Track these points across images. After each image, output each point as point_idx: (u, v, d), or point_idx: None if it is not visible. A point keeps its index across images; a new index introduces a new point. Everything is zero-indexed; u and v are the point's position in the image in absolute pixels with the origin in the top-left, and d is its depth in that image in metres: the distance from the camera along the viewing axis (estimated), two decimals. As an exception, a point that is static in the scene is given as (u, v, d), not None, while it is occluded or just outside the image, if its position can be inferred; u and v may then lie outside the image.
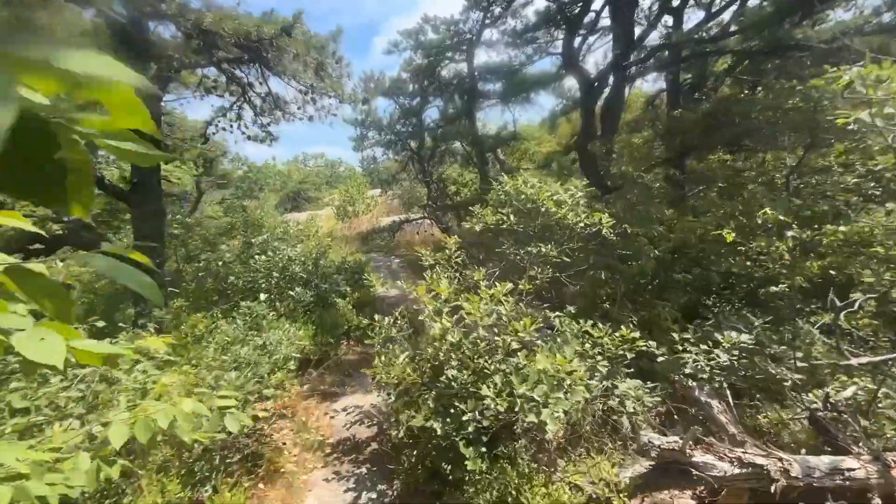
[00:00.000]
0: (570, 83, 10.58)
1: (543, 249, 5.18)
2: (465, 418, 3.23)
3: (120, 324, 4.23)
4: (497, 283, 3.86)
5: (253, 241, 6.84)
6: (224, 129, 8.78)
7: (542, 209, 5.40)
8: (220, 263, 5.88)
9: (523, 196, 5.57)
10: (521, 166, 11.27)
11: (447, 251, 5.17)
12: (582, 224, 5.33)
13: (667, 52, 8.21)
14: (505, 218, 5.55)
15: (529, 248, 5.33)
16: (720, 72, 9.19)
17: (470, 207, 12.49)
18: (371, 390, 5.40)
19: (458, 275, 5.03)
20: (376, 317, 4.79)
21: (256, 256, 6.21)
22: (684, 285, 5.65)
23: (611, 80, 8.57)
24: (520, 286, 4.44)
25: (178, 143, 11.41)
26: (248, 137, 9.27)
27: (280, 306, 5.99)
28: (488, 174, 12.52)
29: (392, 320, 4.71)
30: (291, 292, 6.08)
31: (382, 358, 4.10)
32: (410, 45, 12.74)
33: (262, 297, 5.53)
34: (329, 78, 7.89)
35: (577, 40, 9.38)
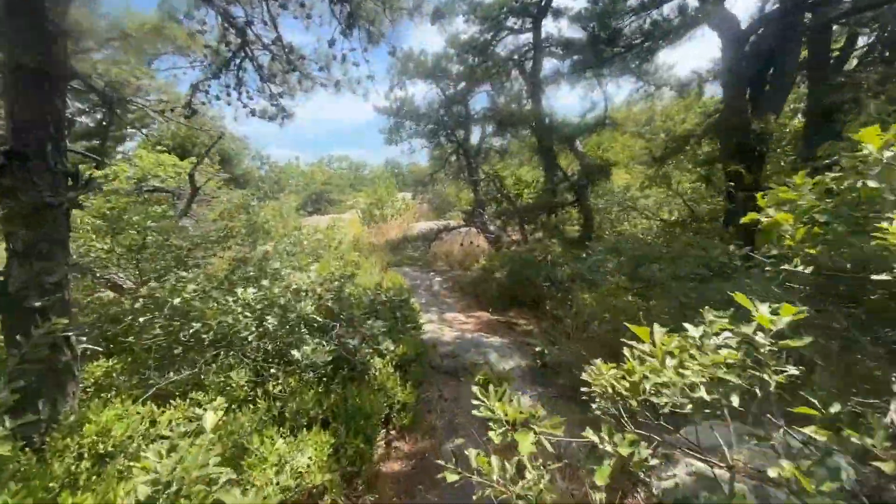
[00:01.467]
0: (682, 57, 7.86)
1: None
2: None
3: None
4: None
5: (237, 271, 4.35)
6: (217, 97, 6.35)
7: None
8: (177, 300, 3.39)
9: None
10: (612, 159, 8.59)
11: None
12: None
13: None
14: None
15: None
16: None
17: (538, 212, 9.87)
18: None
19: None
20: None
21: (240, 292, 3.66)
22: None
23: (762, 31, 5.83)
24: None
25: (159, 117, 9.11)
26: (253, 112, 6.84)
27: (275, 383, 3.42)
28: (556, 172, 9.81)
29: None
30: (295, 351, 3.51)
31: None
32: (463, 8, 10.21)
33: (237, 374, 3.00)
34: (365, 19, 5.39)
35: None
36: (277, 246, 5.78)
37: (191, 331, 3.41)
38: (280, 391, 3.49)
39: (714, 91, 15.01)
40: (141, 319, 3.40)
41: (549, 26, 10.36)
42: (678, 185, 7.04)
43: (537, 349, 4.41)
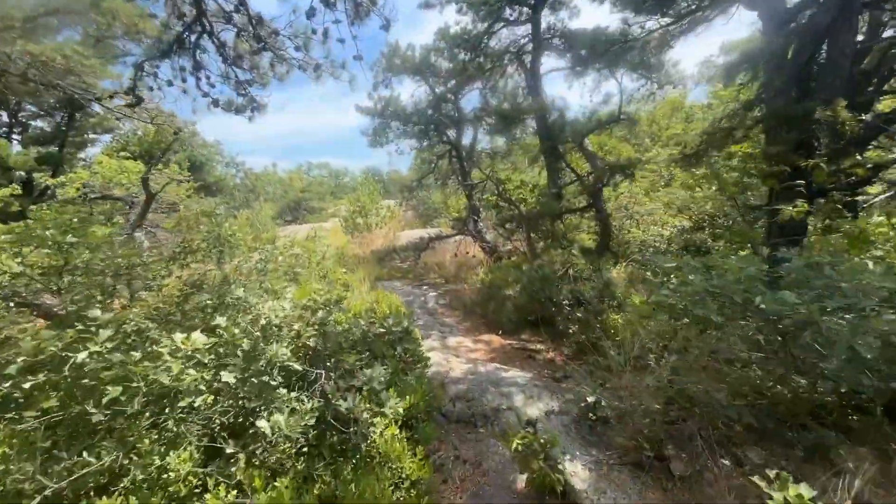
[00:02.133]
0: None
1: None
2: None
3: None
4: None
5: (190, 299, 3.23)
6: (170, 83, 5.20)
7: None
8: (83, 355, 2.26)
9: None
10: (626, 155, 7.73)
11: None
12: None
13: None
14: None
15: None
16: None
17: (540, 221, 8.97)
18: None
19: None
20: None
21: (178, 339, 2.53)
22: None
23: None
24: None
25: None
26: (215, 103, 5.71)
27: (232, 471, 2.34)
28: (560, 174, 8.95)
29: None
30: (263, 422, 2.44)
31: None
32: (455, -5, 9.32)
33: (177, 459, 1.94)
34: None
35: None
36: (242, 265, 4.65)
37: (105, 398, 2.30)
38: (243, 480, 2.40)
39: (697, 95, 14.53)
40: (26, 386, 2.27)
41: (549, 17, 9.55)
42: (707, 186, 6.24)
43: (589, 398, 3.42)
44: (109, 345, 2.41)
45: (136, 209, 7.84)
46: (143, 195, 7.00)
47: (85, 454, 2.21)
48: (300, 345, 3.20)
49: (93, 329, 2.46)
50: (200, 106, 5.89)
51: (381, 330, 3.96)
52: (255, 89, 5.92)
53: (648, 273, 5.45)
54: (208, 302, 3.50)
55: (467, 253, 11.05)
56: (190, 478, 2.37)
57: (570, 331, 5.34)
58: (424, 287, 9.99)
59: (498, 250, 10.75)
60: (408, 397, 3.35)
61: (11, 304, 3.60)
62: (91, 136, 27.78)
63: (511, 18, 9.89)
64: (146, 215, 7.39)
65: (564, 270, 5.67)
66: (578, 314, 5.17)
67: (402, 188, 14.89)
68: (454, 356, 5.37)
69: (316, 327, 3.47)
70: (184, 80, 5.33)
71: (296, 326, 3.19)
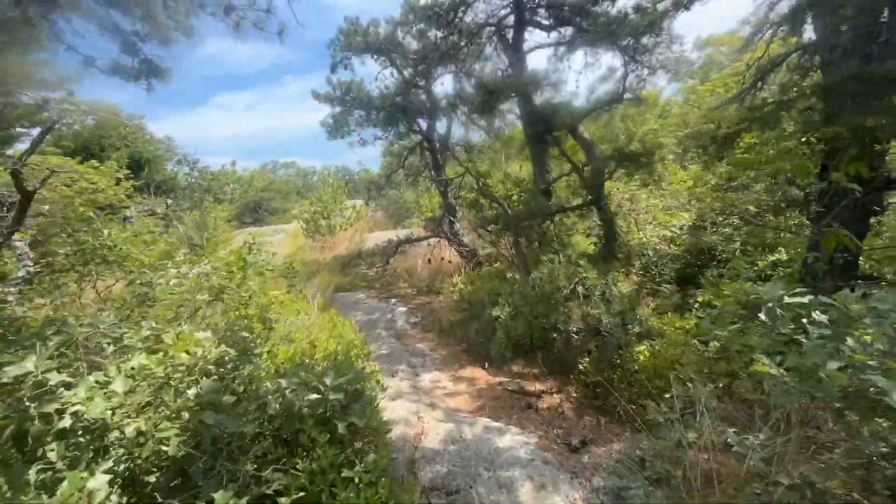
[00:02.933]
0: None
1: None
2: None
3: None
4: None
5: None
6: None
7: None
8: None
9: None
10: (644, 136, 6.49)
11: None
12: None
13: None
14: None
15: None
16: None
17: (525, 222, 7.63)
18: None
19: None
20: None
21: None
22: None
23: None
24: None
25: None
26: (90, 62, 4.12)
27: None
28: (548, 168, 7.70)
29: None
30: None
31: None
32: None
33: None
34: None
35: None
36: (129, 289, 3.11)
37: None
38: None
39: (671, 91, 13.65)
40: None
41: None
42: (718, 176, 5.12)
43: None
44: None
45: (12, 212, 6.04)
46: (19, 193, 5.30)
47: None
48: (147, 458, 1.75)
49: None
50: (76, 70, 4.32)
51: (315, 396, 2.53)
52: (153, 47, 4.38)
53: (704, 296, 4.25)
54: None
55: (442, 259, 9.70)
56: None
57: (581, 366, 4.06)
58: (393, 300, 8.56)
59: (477, 255, 9.45)
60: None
61: None
62: (19, 129, 24.76)
63: (489, -11, 8.59)
64: (23, 219, 5.65)
65: (572, 287, 4.39)
66: (593, 346, 3.90)
67: (369, 186, 13.34)
68: (428, 406, 3.98)
69: (193, 409, 2.02)
70: (36, 29, 3.72)
71: (138, 425, 1.74)
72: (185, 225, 15.93)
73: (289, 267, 11.22)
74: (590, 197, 5.81)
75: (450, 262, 9.80)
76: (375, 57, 9.98)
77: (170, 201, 29.28)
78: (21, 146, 25.53)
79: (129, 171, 18.91)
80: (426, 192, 12.69)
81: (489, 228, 6.41)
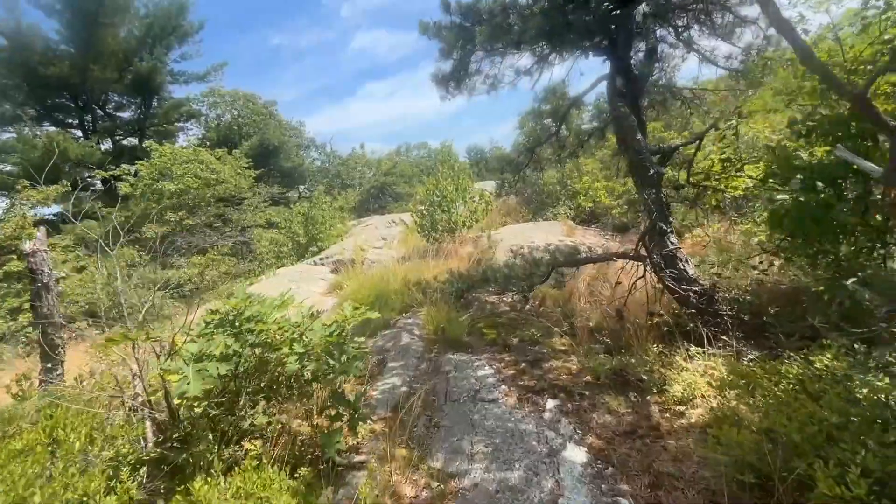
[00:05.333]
0: None
1: None
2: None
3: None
4: None
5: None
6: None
7: None
8: None
9: None
10: None
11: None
12: None
13: None
14: None
15: None
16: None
17: None
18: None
19: None
20: None
21: None
22: None
23: None
24: None
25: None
26: None
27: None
28: None
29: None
30: None
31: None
32: None
33: None
34: None
35: None
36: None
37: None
38: None
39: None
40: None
41: None
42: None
43: None
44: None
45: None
46: None
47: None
48: None
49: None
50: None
51: None
52: None
53: None
54: None
55: (648, 287, 4.85)
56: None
57: None
58: (549, 406, 4.10)
59: (714, 301, 4.43)
60: None
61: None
62: (176, 124, 26.64)
63: None
64: None
65: None
66: None
67: (502, 165, 8.86)
68: None
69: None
70: None
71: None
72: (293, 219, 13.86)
73: (388, 281, 7.60)
74: None
75: (659, 316, 4.90)
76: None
77: (302, 188, 29.34)
78: (180, 139, 27.03)
79: (250, 160, 17.52)
80: (605, 172, 7.73)
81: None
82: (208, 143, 24.11)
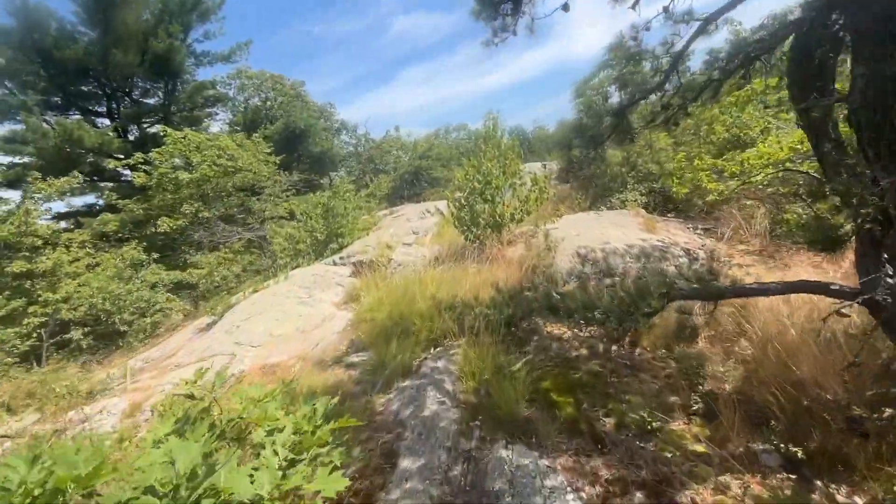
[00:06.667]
0: None
1: None
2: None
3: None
4: None
5: None
6: None
7: None
8: None
9: None
10: None
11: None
12: None
13: None
14: None
15: None
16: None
17: None
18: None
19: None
20: None
21: None
22: None
23: None
24: None
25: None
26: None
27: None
28: None
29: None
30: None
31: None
32: None
33: None
34: None
35: None
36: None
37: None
38: None
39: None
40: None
41: None
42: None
43: None
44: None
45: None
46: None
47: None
48: None
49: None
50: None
51: None
52: None
53: None
54: None
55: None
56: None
57: None
58: None
59: None
60: None
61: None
62: (204, 110, 25.50)
63: None
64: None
65: None
66: None
67: (571, 138, 6.37)
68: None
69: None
70: None
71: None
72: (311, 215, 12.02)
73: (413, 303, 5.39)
74: None
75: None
76: None
77: (334, 175, 27.73)
78: (215, 128, 25.86)
79: (272, 145, 15.72)
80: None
81: None
82: (237, 129, 22.74)
